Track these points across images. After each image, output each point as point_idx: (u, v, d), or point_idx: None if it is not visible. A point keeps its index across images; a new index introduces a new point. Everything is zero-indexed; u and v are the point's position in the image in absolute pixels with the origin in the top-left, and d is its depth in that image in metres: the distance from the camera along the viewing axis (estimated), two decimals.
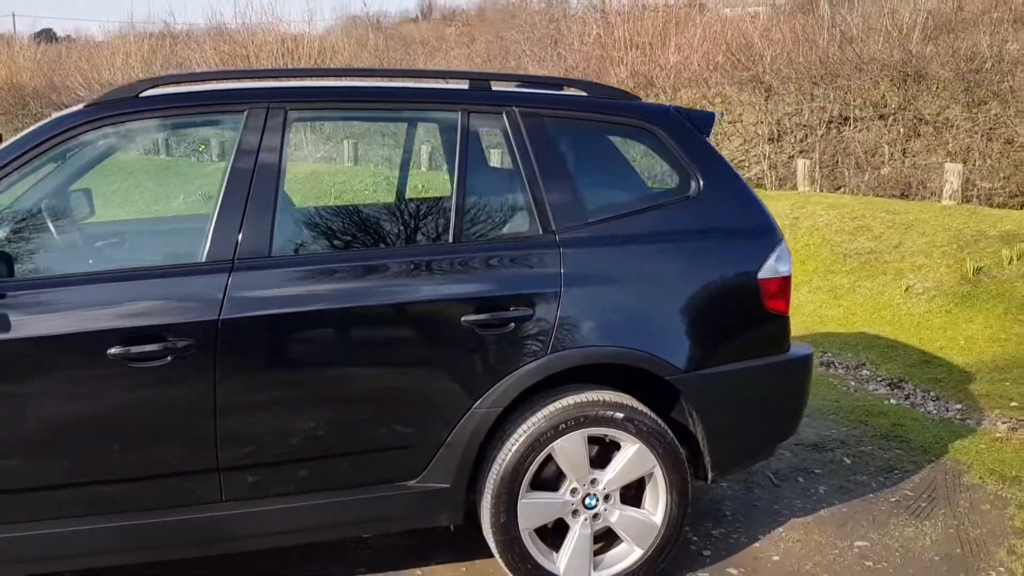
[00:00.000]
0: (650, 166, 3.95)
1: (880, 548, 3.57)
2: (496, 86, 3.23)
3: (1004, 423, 5.03)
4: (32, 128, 2.86)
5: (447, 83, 3.52)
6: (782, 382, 3.35)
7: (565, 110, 3.21)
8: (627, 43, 13.40)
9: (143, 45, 21.52)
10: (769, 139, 13.03)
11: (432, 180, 10.54)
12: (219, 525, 2.88)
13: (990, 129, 11.17)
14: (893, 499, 4.01)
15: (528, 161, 3.08)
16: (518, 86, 3.40)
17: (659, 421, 3.14)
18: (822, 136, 12.45)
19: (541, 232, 3.06)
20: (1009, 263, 7.27)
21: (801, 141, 12.81)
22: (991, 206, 10.03)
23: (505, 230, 3.12)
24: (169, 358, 2.71)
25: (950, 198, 9.15)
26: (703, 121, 3.34)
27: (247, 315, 2.78)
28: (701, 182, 3.23)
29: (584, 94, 3.36)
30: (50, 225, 3.06)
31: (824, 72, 12.30)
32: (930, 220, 8.41)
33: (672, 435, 3.15)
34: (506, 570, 3.13)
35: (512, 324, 2.96)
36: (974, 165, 11.00)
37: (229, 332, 2.75)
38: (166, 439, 2.79)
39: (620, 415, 3.07)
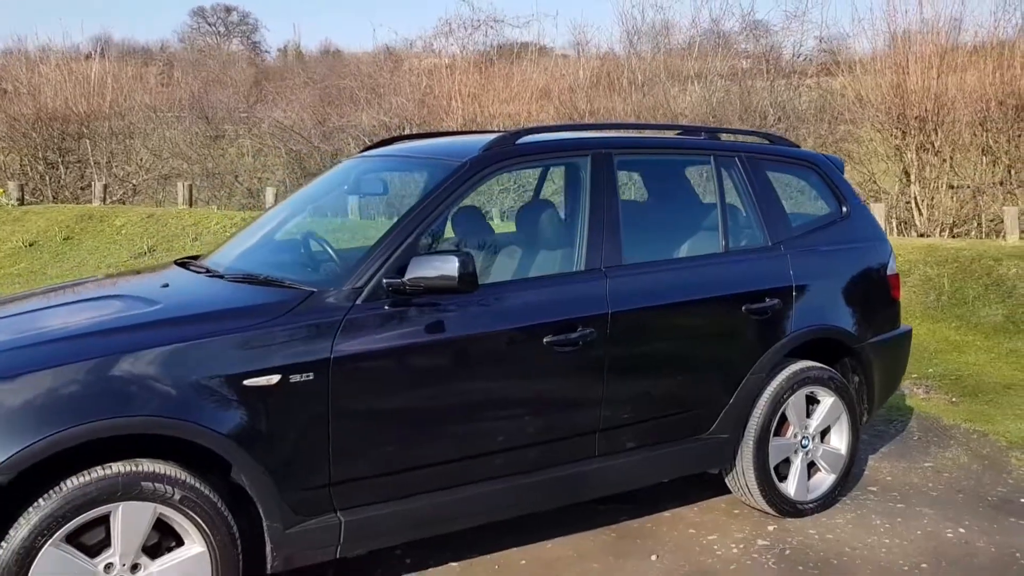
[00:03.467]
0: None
1: (941, 466, 5.00)
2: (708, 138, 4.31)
3: (919, 389, 6.79)
4: (442, 175, 3.48)
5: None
6: (901, 348, 4.70)
7: (768, 155, 4.36)
8: (457, 93, 14.61)
9: None
10: None
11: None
12: (590, 477, 3.67)
13: None
14: (915, 439, 5.50)
15: (756, 192, 4.18)
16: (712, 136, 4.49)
17: (845, 379, 4.33)
18: None
19: (770, 244, 4.17)
20: None
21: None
22: None
23: (750, 243, 4.19)
24: (580, 343, 3.49)
25: None
26: (839, 163, 4.64)
27: (624, 309, 3.63)
28: (848, 206, 4.51)
29: (767, 142, 4.52)
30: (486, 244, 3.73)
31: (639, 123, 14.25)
32: None
33: (852, 389, 4.36)
34: (759, 497, 4.15)
35: (769, 312, 4.03)
36: None
37: (615, 321, 3.59)
38: (573, 407, 3.56)
39: (827, 375, 4.24)
